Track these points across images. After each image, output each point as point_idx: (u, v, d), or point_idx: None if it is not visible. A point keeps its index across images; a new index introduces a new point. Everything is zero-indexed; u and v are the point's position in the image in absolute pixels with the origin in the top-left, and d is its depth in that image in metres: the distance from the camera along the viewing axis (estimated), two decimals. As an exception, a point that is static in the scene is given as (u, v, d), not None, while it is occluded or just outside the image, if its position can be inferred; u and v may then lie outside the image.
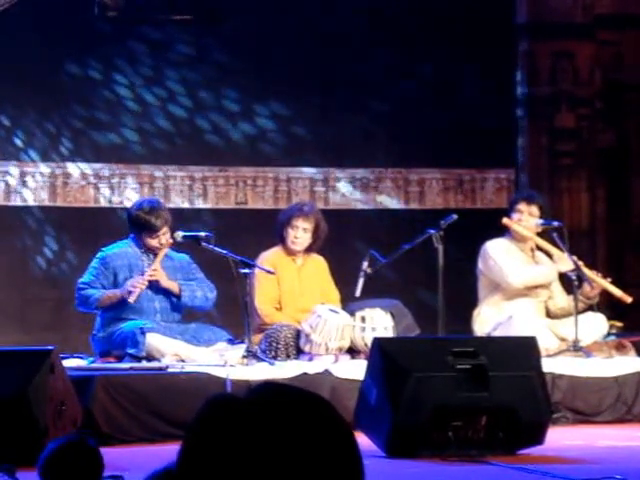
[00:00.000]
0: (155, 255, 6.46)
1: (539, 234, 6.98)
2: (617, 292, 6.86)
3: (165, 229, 6.42)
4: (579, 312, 6.68)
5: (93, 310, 6.48)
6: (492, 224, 7.04)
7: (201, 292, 6.53)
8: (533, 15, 8.37)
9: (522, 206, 6.92)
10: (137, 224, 6.43)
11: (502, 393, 5.17)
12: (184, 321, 6.60)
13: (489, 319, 6.88)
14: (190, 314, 6.75)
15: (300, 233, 6.69)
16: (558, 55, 8.38)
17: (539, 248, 7.02)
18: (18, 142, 7.89)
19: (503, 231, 6.99)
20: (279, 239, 6.80)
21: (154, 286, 6.43)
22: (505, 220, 6.94)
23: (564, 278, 6.95)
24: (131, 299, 6.28)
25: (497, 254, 6.89)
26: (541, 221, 6.96)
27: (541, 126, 8.39)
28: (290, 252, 6.78)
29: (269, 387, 1.34)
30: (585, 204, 8.41)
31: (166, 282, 6.44)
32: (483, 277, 6.98)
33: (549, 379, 5.80)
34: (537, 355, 5.35)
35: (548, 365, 5.84)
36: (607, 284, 6.90)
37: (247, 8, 8.09)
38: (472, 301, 7.04)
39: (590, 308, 6.89)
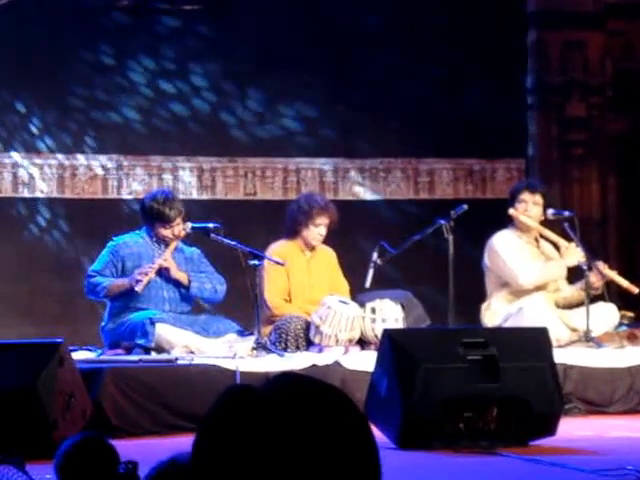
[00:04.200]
0: (167, 246, 6.46)
1: (546, 224, 6.94)
2: (624, 283, 6.84)
3: (179, 220, 6.44)
4: (583, 302, 6.66)
5: (102, 298, 6.48)
6: (502, 214, 7.00)
7: (210, 284, 6.52)
8: (543, 4, 8.31)
9: (526, 196, 6.87)
10: (151, 215, 6.45)
11: (513, 384, 5.15)
12: (194, 313, 6.59)
13: (499, 311, 6.84)
14: (201, 304, 6.74)
15: (323, 230, 6.70)
16: (568, 44, 8.32)
17: (543, 237, 6.98)
18: (26, 133, 7.87)
19: (507, 222, 6.95)
20: (292, 233, 6.75)
21: (164, 275, 6.44)
22: (512, 211, 6.90)
23: (572, 268, 6.92)
24: (138, 288, 6.29)
25: (505, 252, 6.83)
26: (552, 211, 6.91)
27: (552, 115, 8.34)
28: (306, 245, 6.76)
29: (287, 378, 1.32)
30: (596, 194, 8.36)
31: (176, 272, 6.44)
32: (490, 273, 6.93)
33: (560, 370, 5.77)
34: (548, 346, 5.32)
35: (559, 356, 5.81)
36: (614, 275, 6.87)
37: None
38: (482, 292, 7.01)
39: (601, 298, 6.85)
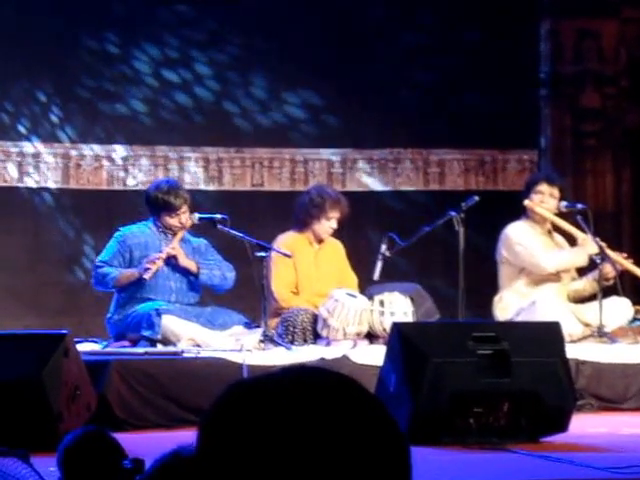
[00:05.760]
0: (174, 236, 6.42)
1: (561, 216, 6.87)
2: None
3: (185, 208, 6.41)
4: (595, 294, 6.59)
5: (110, 289, 6.44)
6: (514, 206, 6.92)
7: (219, 271, 6.49)
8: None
9: (543, 187, 6.81)
10: (156, 205, 6.42)
11: (524, 379, 5.09)
12: (201, 304, 6.54)
13: (511, 305, 6.78)
14: (207, 296, 6.68)
15: (334, 223, 6.69)
16: (582, 33, 8.22)
17: (557, 230, 6.91)
18: (32, 123, 7.80)
19: (521, 213, 6.89)
20: (302, 225, 6.69)
21: (171, 265, 6.40)
22: (527, 202, 6.83)
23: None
24: (147, 275, 6.26)
25: (523, 239, 6.78)
26: (565, 203, 6.85)
27: (565, 106, 8.25)
28: (315, 238, 6.71)
29: (295, 370, 1.27)
30: (610, 186, 8.28)
31: (184, 260, 6.41)
32: (506, 265, 6.85)
33: (573, 365, 5.71)
34: (561, 341, 5.26)
35: (572, 351, 5.75)
36: (631, 265, 6.81)
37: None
38: (493, 285, 6.94)
39: (615, 293, 6.78)
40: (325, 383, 1.23)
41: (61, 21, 7.73)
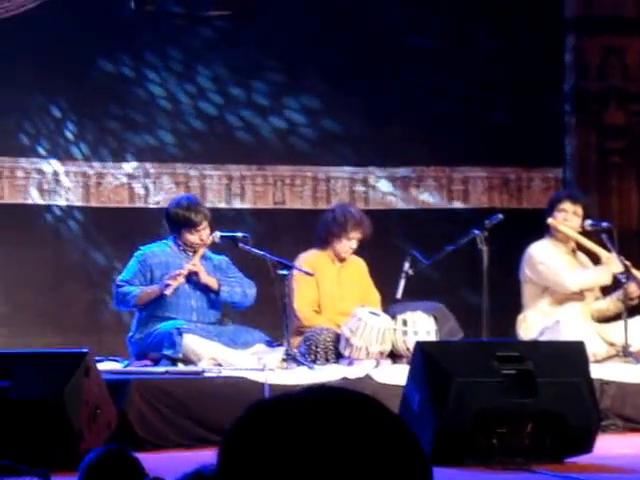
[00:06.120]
0: (194, 254, 6.41)
1: (583, 235, 6.81)
2: None
3: (205, 224, 6.40)
4: (620, 314, 6.52)
5: (131, 308, 6.44)
6: (539, 225, 6.88)
7: (240, 288, 6.47)
8: (582, 9, 8.17)
9: (567, 205, 6.77)
10: (176, 221, 6.41)
11: (549, 399, 5.05)
12: (222, 322, 6.52)
13: (535, 324, 6.73)
14: (229, 313, 6.66)
15: (354, 244, 6.67)
16: (607, 50, 8.18)
17: (580, 248, 6.86)
18: (51, 141, 7.81)
19: (544, 232, 6.84)
20: (324, 243, 6.67)
21: (192, 283, 6.38)
22: (551, 221, 6.78)
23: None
24: (168, 291, 6.24)
25: (547, 258, 6.73)
26: (590, 221, 6.80)
27: (590, 123, 8.20)
28: (336, 256, 6.69)
29: (317, 390, 1.26)
30: (635, 204, 8.21)
31: (205, 277, 6.39)
32: (529, 284, 6.81)
33: (597, 385, 5.65)
34: (585, 360, 5.21)
35: (596, 371, 5.69)
36: None
37: (283, 4, 7.96)
38: (517, 304, 6.88)
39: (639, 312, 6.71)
40: (347, 403, 1.22)
41: (82, 39, 7.73)
